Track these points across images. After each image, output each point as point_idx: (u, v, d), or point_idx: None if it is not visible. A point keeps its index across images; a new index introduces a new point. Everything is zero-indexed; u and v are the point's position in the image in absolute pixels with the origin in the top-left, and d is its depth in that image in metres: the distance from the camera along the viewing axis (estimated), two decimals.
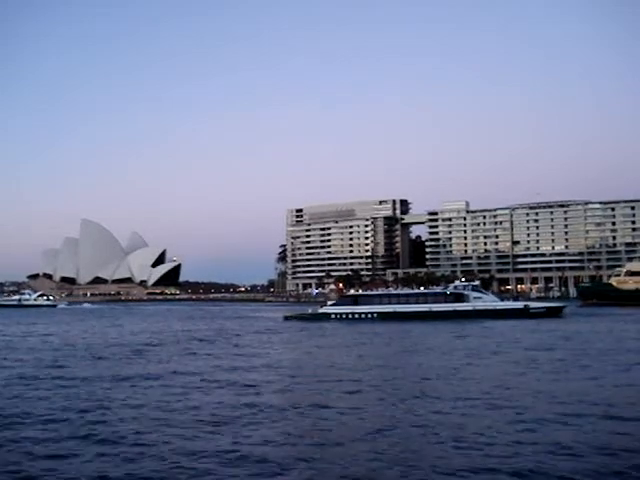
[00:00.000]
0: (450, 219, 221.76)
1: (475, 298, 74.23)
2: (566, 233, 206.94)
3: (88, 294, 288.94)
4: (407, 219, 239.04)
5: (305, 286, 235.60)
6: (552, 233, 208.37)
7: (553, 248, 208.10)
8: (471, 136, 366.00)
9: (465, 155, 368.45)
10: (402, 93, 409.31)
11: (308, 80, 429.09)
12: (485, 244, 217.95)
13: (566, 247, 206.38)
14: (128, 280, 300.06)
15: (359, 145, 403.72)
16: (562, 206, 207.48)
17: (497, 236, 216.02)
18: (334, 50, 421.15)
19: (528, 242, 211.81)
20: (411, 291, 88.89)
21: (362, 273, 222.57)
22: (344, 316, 76.75)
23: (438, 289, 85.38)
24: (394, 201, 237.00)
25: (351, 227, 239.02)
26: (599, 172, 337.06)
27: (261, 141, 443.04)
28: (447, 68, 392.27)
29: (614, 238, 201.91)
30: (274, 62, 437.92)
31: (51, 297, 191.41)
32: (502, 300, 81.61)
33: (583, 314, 78.57)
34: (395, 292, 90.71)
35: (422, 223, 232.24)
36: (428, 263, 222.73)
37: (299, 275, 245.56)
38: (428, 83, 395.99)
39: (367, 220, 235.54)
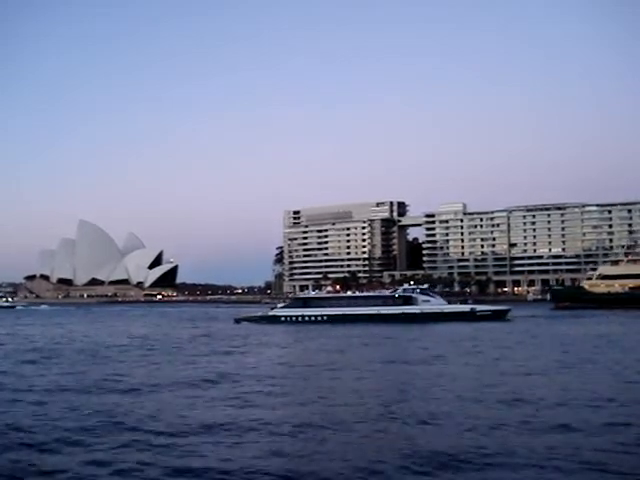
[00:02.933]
0: (447, 221, 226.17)
1: (423, 301, 76.83)
2: (563, 235, 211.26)
3: (85, 295, 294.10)
4: (404, 221, 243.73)
5: (302, 288, 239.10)
6: (549, 235, 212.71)
7: (550, 250, 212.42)
8: (469, 137, 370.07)
9: (462, 157, 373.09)
10: (401, 94, 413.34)
11: (307, 81, 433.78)
12: (482, 246, 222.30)
13: (563, 249, 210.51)
14: (125, 281, 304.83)
15: (357, 147, 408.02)
16: (559, 208, 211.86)
17: (494, 238, 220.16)
18: (333, 50, 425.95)
19: (525, 244, 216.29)
20: (360, 294, 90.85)
21: (359, 275, 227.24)
22: (294, 319, 78.03)
23: (387, 292, 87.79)
24: (391, 203, 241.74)
25: (348, 229, 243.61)
26: (596, 174, 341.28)
27: (258, 142, 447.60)
28: (446, 68, 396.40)
29: (611, 241, 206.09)
30: (274, 62, 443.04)
31: (10, 299, 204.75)
32: (450, 303, 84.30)
33: (539, 316, 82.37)
34: (345, 295, 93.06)
35: (419, 225, 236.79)
36: (425, 265, 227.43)
37: (296, 277, 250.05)
38: (427, 84, 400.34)
39: (364, 222, 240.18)
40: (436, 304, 77.49)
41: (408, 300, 77.18)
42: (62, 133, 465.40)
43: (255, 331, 63.01)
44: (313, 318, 77.46)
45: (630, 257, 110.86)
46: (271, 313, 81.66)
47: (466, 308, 79.45)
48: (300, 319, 77.67)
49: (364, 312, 75.67)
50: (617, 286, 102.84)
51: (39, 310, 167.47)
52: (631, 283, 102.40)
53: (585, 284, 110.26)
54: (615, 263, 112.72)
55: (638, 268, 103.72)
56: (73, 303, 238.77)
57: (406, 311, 75.10)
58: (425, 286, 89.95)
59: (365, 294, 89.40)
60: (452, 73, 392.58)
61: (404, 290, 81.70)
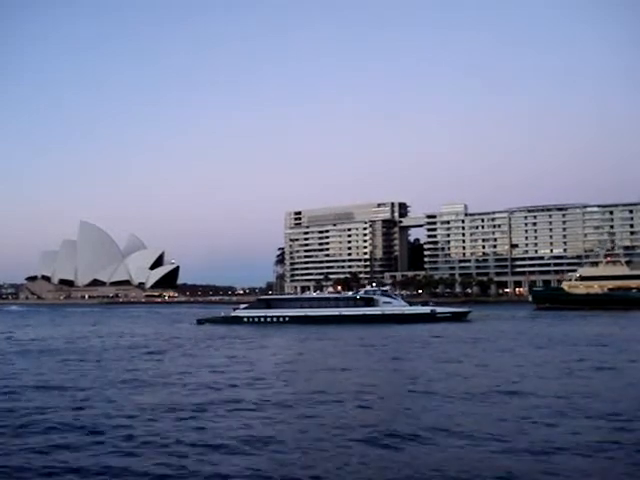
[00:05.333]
0: (448, 222, 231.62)
1: (384, 303, 79.82)
2: (564, 236, 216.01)
3: (86, 296, 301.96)
4: (405, 222, 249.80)
5: (303, 289, 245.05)
6: (550, 236, 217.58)
7: (551, 251, 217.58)
8: (470, 138, 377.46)
9: (464, 157, 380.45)
10: (402, 94, 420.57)
11: (308, 81, 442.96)
12: (483, 247, 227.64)
13: (564, 250, 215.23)
14: (126, 282, 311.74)
15: (358, 147, 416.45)
16: (560, 209, 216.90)
17: (495, 239, 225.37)
18: (333, 51, 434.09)
19: (526, 245, 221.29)
20: (322, 295, 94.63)
21: (360, 276, 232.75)
22: (256, 320, 79.85)
23: (349, 294, 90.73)
24: (392, 204, 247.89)
25: (349, 230, 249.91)
26: (597, 175, 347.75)
27: (260, 143, 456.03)
28: (448, 69, 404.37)
29: (612, 242, 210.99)
30: (274, 63, 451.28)
31: None
32: (411, 305, 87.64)
33: (519, 317, 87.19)
34: (307, 296, 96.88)
35: (420, 226, 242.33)
36: (426, 266, 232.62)
37: (297, 278, 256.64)
38: (428, 84, 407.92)
39: (365, 223, 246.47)
40: (397, 306, 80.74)
41: (369, 302, 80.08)
42: (63, 134, 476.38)
43: (206, 333, 63.77)
44: (275, 319, 79.63)
45: (609, 259, 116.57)
46: (234, 314, 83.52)
47: (426, 310, 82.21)
48: (262, 320, 79.77)
49: (326, 313, 78.66)
50: (596, 287, 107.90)
51: (11, 310, 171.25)
52: (610, 284, 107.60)
53: (565, 285, 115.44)
54: (594, 264, 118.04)
55: (617, 270, 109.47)
56: (73, 304, 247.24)
57: (367, 312, 78.17)
58: (386, 288, 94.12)
59: (327, 295, 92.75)
60: (453, 73, 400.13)
61: (366, 292, 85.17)
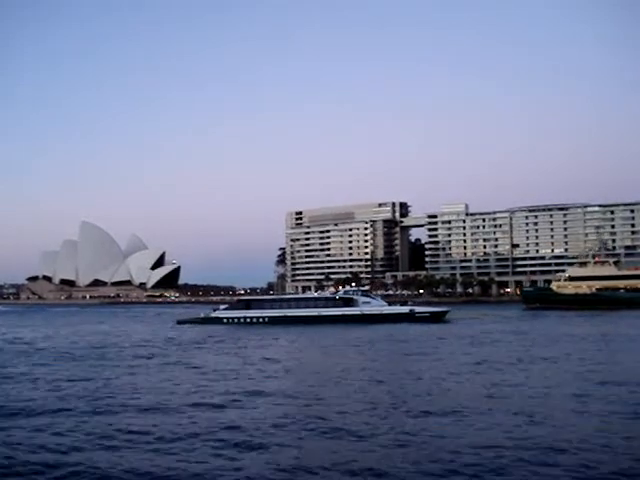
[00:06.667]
0: (449, 222, 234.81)
1: (364, 303, 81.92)
2: (565, 236, 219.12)
3: (87, 296, 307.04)
4: (406, 222, 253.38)
5: (304, 289, 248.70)
6: (551, 236, 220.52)
7: (552, 251, 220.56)
8: (471, 138, 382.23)
9: (465, 157, 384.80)
10: (403, 94, 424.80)
11: (308, 81, 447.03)
12: (484, 247, 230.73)
13: (565, 250, 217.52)
14: (127, 283, 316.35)
15: (358, 147, 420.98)
16: (561, 209, 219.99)
17: (496, 239, 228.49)
18: (334, 51, 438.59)
19: (527, 245, 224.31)
20: (302, 296, 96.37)
21: (361, 276, 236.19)
22: (235, 320, 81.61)
23: (328, 294, 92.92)
24: (393, 204, 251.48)
25: (350, 230, 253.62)
26: (598, 175, 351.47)
27: (261, 144, 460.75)
28: (449, 69, 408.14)
29: (613, 241, 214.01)
30: (273, 63, 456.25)
31: None
32: (390, 305, 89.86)
33: (510, 317, 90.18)
34: (286, 297, 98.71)
35: (421, 226, 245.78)
36: (427, 266, 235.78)
37: (298, 278, 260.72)
38: (429, 84, 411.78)
39: (366, 223, 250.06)
40: (376, 306, 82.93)
41: (349, 302, 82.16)
42: (63, 134, 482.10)
43: (182, 335, 64.62)
44: (255, 319, 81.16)
45: (597, 259, 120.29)
46: (214, 315, 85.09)
47: (405, 310, 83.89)
48: (242, 321, 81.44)
49: (305, 314, 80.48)
50: (584, 287, 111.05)
51: None
52: (598, 284, 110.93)
53: (554, 285, 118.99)
54: (583, 265, 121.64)
55: (604, 270, 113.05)
56: (74, 304, 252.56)
57: (346, 312, 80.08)
58: (366, 288, 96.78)
59: (307, 296, 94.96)
60: (453, 73, 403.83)
61: (345, 292, 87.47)
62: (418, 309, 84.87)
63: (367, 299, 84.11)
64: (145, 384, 30.33)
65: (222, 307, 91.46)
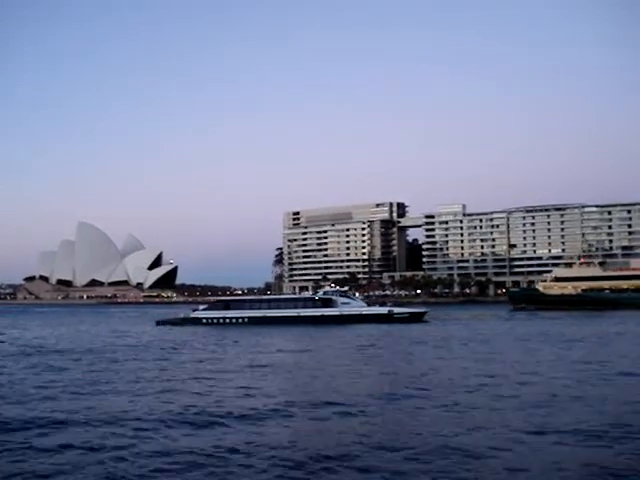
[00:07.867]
0: (447, 222, 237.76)
1: (343, 303, 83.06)
2: (563, 237, 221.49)
3: (84, 296, 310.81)
4: (404, 222, 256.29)
5: (302, 289, 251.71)
6: (549, 237, 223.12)
7: (550, 251, 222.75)
8: (468, 138, 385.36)
9: (462, 158, 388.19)
10: (401, 95, 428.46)
11: (307, 82, 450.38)
12: (482, 247, 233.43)
13: (563, 250, 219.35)
14: (124, 283, 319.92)
15: (356, 148, 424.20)
16: (559, 209, 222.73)
17: (494, 239, 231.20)
18: (333, 51, 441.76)
19: (525, 245, 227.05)
20: (281, 296, 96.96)
21: (359, 276, 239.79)
22: (215, 321, 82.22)
23: (307, 294, 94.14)
24: (391, 204, 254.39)
25: (348, 230, 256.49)
26: (596, 175, 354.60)
27: (258, 144, 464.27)
28: (447, 69, 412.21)
29: (611, 242, 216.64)
30: (273, 64, 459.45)
31: None
32: (369, 305, 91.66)
33: (501, 317, 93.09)
34: (266, 297, 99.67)
35: (419, 226, 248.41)
36: (425, 266, 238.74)
37: (296, 278, 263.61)
38: (427, 85, 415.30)
39: (364, 223, 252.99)
40: (355, 306, 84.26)
41: (328, 302, 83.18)
42: (63, 134, 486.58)
43: (157, 336, 64.00)
44: (234, 320, 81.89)
45: (583, 260, 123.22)
46: (193, 315, 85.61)
47: (384, 310, 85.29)
48: (221, 321, 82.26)
49: (284, 314, 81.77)
50: (570, 288, 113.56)
51: None
52: (584, 285, 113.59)
53: (540, 286, 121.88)
54: (569, 266, 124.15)
55: (590, 271, 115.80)
56: (71, 304, 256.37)
57: (325, 313, 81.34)
58: (345, 288, 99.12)
59: (286, 296, 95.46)
60: (454, 74, 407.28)
61: (324, 292, 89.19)
62: (397, 310, 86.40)
63: (346, 300, 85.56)
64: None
65: (201, 307, 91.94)
